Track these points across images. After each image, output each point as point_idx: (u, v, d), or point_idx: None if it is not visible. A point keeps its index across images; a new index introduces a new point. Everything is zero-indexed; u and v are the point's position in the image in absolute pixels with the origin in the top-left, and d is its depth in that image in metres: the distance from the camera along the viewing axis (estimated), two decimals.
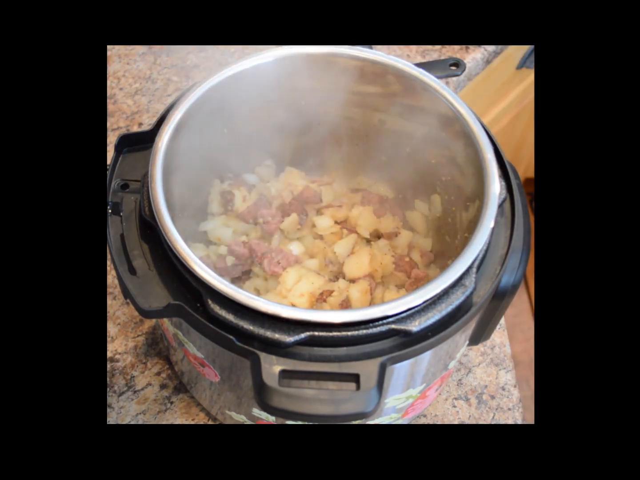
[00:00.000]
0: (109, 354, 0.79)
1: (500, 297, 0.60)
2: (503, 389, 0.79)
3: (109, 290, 0.84)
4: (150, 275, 0.57)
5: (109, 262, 0.82)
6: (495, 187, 0.59)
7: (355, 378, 0.51)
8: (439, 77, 0.68)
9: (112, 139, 0.98)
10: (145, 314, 0.55)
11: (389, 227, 0.78)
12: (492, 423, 0.76)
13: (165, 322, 0.64)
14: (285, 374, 0.51)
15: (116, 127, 1.02)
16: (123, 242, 0.59)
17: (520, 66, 1.41)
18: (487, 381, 0.79)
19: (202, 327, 0.54)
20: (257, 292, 0.74)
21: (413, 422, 0.76)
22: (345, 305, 0.69)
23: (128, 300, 0.63)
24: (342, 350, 0.53)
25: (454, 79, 1.07)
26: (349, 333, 0.52)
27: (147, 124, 1.02)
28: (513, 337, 1.91)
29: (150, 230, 0.59)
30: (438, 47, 1.14)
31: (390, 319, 0.53)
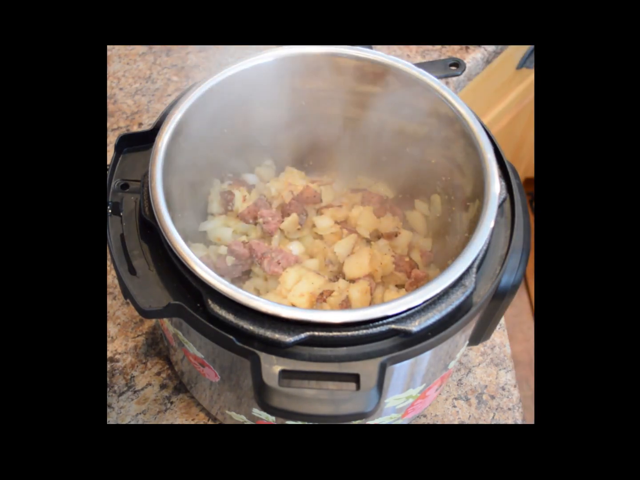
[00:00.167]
0: (109, 354, 0.79)
1: (500, 297, 0.60)
2: (503, 389, 0.79)
3: (109, 290, 0.84)
4: (150, 275, 0.57)
5: (109, 262, 0.82)
6: (495, 187, 0.59)
7: (355, 378, 0.51)
8: (439, 77, 0.68)
9: (112, 139, 0.98)
10: (145, 314, 0.55)
11: (389, 227, 0.78)
12: (492, 423, 0.76)
13: (165, 322, 0.64)
14: (285, 374, 0.51)
15: (116, 127, 1.02)
16: (123, 242, 0.59)
17: (520, 66, 1.41)
18: (487, 381, 0.79)
19: (202, 327, 0.54)
20: (257, 292, 0.74)
21: (413, 422, 0.76)
22: (345, 305, 0.69)
23: (128, 300, 0.63)
24: (342, 350, 0.53)
25: (454, 79, 1.07)
26: (349, 333, 0.52)
27: (147, 124, 1.02)
28: (513, 337, 1.91)
29: (150, 230, 0.59)
30: (438, 47, 1.14)
31: (390, 319, 0.53)
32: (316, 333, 0.52)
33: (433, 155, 0.72)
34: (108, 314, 0.82)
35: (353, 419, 0.51)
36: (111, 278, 0.85)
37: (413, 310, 0.53)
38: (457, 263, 0.55)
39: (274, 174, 0.83)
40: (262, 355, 0.51)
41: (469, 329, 0.62)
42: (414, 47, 1.14)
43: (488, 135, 0.63)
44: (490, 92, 1.40)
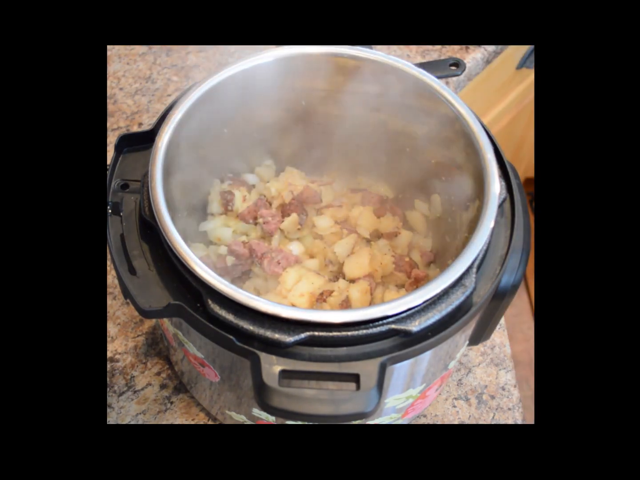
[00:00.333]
0: (109, 354, 0.79)
1: (500, 297, 0.60)
2: (503, 389, 0.79)
3: (109, 290, 0.84)
4: (150, 275, 0.57)
5: (109, 262, 0.82)
6: (495, 187, 0.59)
7: (355, 378, 0.51)
8: (439, 77, 0.68)
9: (112, 139, 0.98)
10: (145, 314, 0.55)
11: (389, 227, 0.78)
12: (492, 423, 0.76)
13: (165, 322, 0.64)
14: (285, 374, 0.51)
15: (116, 127, 1.02)
16: (123, 242, 0.59)
17: (520, 66, 1.41)
18: (487, 381, 0.79)
19: (202, 327, 0.54)
20: (257, 292, 0.74)
21: (413, 422, 0.76)
22: (345, 305, 0.69)
23: (128, 300, 0.63)
24: (342, 350, 0.53)
25: (454, 79, 1.07)
26: (349, 333, 0.52)
27: (147, 124, 1.02)
28: (513, 337, 1.91)
29: (150, 230, 0.59)
30: (438, 47, 1.14)
31: (390, 319, 0.53)
32: (316, 333, 0.52)
33: (433, 155, 0.72)
34: (108, 314, 0.82)
35: (353, 419, 0.51)
36: (111, 278, 0.85)
37: (413, 310, 0.53)
38: (457, 263, 0.55)
39: (274, 174, 0.83)
40: (262, 355, 0.51)
41: (469, 329, 0.62)
42: (414, 47, 1.14)
43: (488, 135, 0.63)
44: (490, 92, 1.40)
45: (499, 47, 1.17)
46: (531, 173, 1.91)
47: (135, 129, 1.01)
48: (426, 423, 0.76)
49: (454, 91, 0.95)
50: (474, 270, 0.56)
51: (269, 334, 0.52)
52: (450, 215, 0.73)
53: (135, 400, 0.76)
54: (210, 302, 0.53)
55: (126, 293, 0.56)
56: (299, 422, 0.60)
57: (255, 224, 0.78)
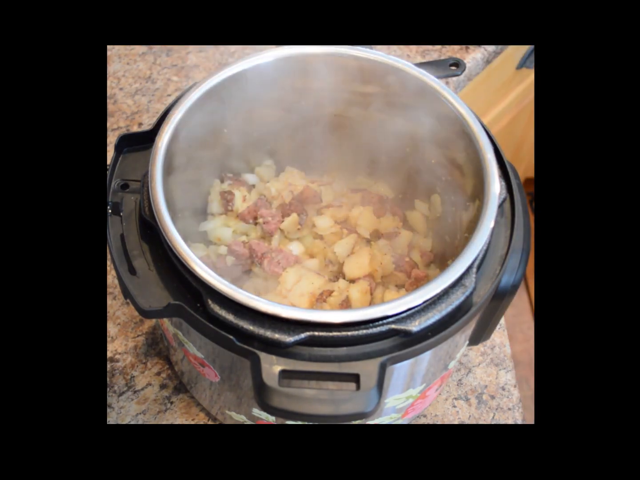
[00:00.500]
0: (109, 354, 0.79)
1: (500, 297, 0.60)
2: (503, 389, 0.79)
3: (109, 290, 0.84)
4: (150, 275, 0.57)
5: (109, 262, 0.82)
6: (495, 187, 0.59)
7: (355, 378, 0.51)
8: (439, 77, 0.68)
9: (112, 139, 0.98)
10: (145, 314, 0.55)
11: (389, 227, 0.78)
12: (492, 423, 0.76)
13: (165, 322, 0.64)
14: (285, 374, 0.51)
15: (116, 127, 1.02)
16: (123, 242, 0.59)
17: (520, 66, 1.41)
18: (487, 381, 0.79)
19: (202, 327, 0.54)
20: (257, 292, 0.74)
21: (413, 422, 0.76)
22: (345, 305, 0.69)
23: (128, 300, 0.63)
24: (342, 350, 0.53)
25: (454, 79, 1.07)
26: (349, 333, 0.52)
27: (147, 124, 1.02)
28: (513, 337, 1.91)
29: (150, 230, 0.59)
30: (438, 47, 1.14)
31: (390, 319, 0.53)
32: (316, 333, 0.52)
33: (433, 155, 0.72)
34: (108, 314, 0.82)
35: (353, 419, 0.51)
36: (111, 278, 0.85)
37: (413, 310, 0.53)
38: (457, 263, 0.55)
39: (274, 174, 0.83)
40: (262, 355, 0.51)
41: (469, 329, 0.62)
42: (414, 47, 1.14)
43: (488, 135, 0.63)
44: (490, 92, 1.40)
45: (499, 47, 1.17)
46: (531, 173, 1.91)
47: (135, 129, 1.01)
48: (426, 423, 0.76)
49: (454, 91, 0.95)
50: (474, 270, 0.56)
51: (269, 334, 0.52)
52: (450, 215, 0.73)
53: (135, 400, 0.76)
54: (210, 302, 0.53)
55: (126, 293, 0.56)
56: (299, 422, 0.60)
57: (255, 224, 0.78)
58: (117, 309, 0.82)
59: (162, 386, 0.77)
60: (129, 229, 0.60)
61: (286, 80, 0.71)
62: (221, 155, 0.76)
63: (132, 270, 0.57)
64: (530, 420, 0.82)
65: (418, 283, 0.72)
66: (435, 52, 1.14)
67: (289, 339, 0.51)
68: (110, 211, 0.61)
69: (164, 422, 0.75)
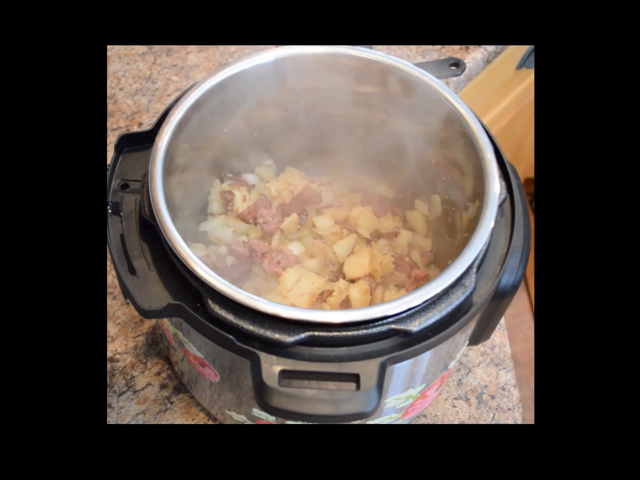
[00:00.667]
0: (109, 354, 0.79)
1: (500, 297, 0.60)
2: (503, 389, 0.79)
3: (109, 290, 0.84)
4: (150, 275, 0.57)
5: (109, 262, 0.82)
6: (495, 187, 0.59)
7: (355, 378, 0.51)
8: (439, 77, 0.68)
9: (112, 139, 0.98)
10: (145, 314, 0.55)
11: (389, 227, 0.78)
12: (492, 423, 0.76)
13: (165, 322, 0.64)
14: (285, 374, 0.51)
15: (116, 127, 1.02)
16: (123, 242, 0.59)
17: (520, 66, 1.41)
18: (487, 381, 0.79)
19: (202, 327, 0.54)
20: (257, 292, 0.74)
21: (413, 422, 0.76)
22: (345, 305, 0.69)
23: (128, 300, 0.63)
24: (342, 350, 0.53)
25: (454, 79, 1.07)
26: (349, 333, 0.52)
27: (147, 124, 1.02)
28: (513, 337, 1.91)
29: (150, 230, 0.59)
30: (438, 47, 1.14)
31: (390, 319, 0.53)
32: (316, 333, 0.52)
33: (433, 155, 0.72)
34: (108, 314, 0.82)
35: (353, 419, 0.51)
36: (111, 278, 0.85)
37: (413, 310, 0.53)
38: (457, 263, 0.55)
39: (274, 174, 0.83)
40: (262, 355, 0.51)
41: (469, 329, 0.62)
42: (414, 47, 1.14)
43: (488, 135, 0.63)
44: (490, 92, 1.40)
45: (499, 47, 1.17)
46: (531, 173, 1.91)
47: (135, 129, 1.01)
48: (426, 423, 0.76)
49: (454, 91, 0.95)
50: (474, 270, 0.56)
51: (269, 334, 0.52)
52: (450, 215, 0.73)
53: (135, 400, 0.76)
54: (210, 302, 0.53)
55: (126, 293, 0.56)
56: (299, 422, 0.60)
57: (255, 224, 0.78)
58: (117, 309, 0.82)
59: (162, 386, 0.77)
60: (129, 229, 0.60)
61: (286, 80, 0.71)
62: (221, 155, 0.76)
63: (132, 270, 0.57)
64: (530, 420, 0.82)
65: (418, 283, 0.72)
66: (435, 52, 1.14)
67: (289, 339, 0.51)
68: (110, 211, 0.61)
69: (164, 422, 0.75)
